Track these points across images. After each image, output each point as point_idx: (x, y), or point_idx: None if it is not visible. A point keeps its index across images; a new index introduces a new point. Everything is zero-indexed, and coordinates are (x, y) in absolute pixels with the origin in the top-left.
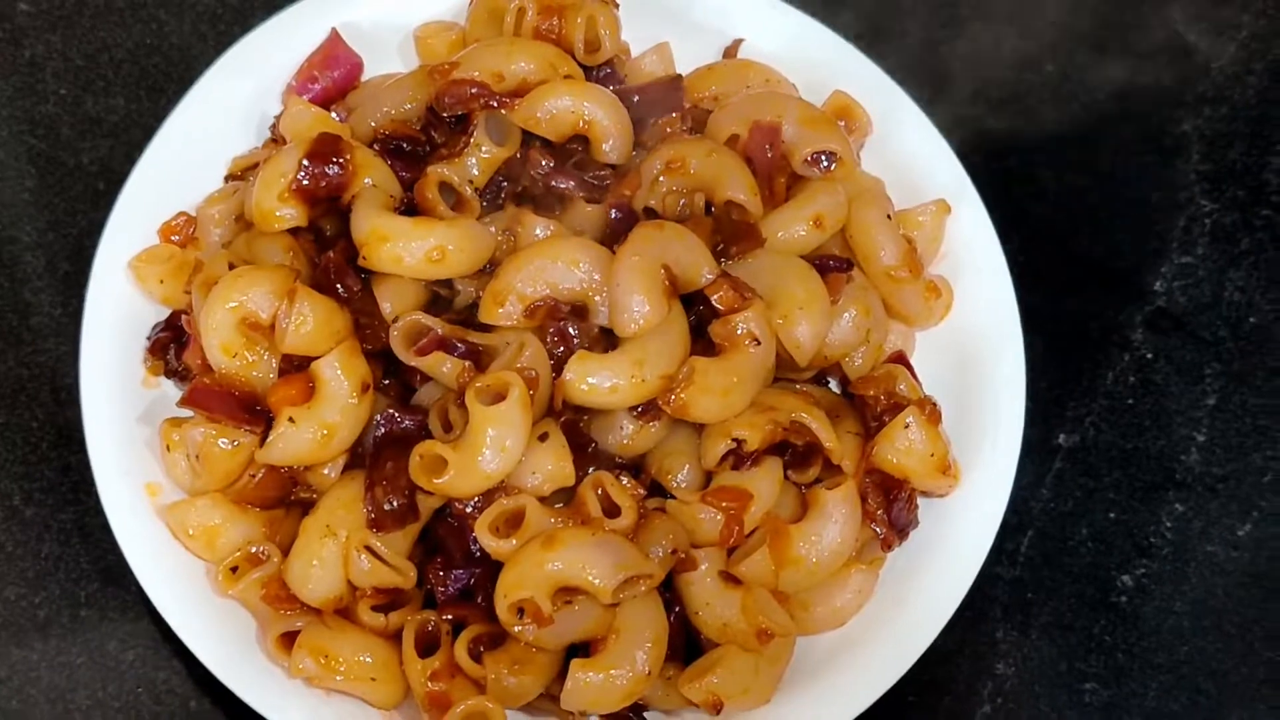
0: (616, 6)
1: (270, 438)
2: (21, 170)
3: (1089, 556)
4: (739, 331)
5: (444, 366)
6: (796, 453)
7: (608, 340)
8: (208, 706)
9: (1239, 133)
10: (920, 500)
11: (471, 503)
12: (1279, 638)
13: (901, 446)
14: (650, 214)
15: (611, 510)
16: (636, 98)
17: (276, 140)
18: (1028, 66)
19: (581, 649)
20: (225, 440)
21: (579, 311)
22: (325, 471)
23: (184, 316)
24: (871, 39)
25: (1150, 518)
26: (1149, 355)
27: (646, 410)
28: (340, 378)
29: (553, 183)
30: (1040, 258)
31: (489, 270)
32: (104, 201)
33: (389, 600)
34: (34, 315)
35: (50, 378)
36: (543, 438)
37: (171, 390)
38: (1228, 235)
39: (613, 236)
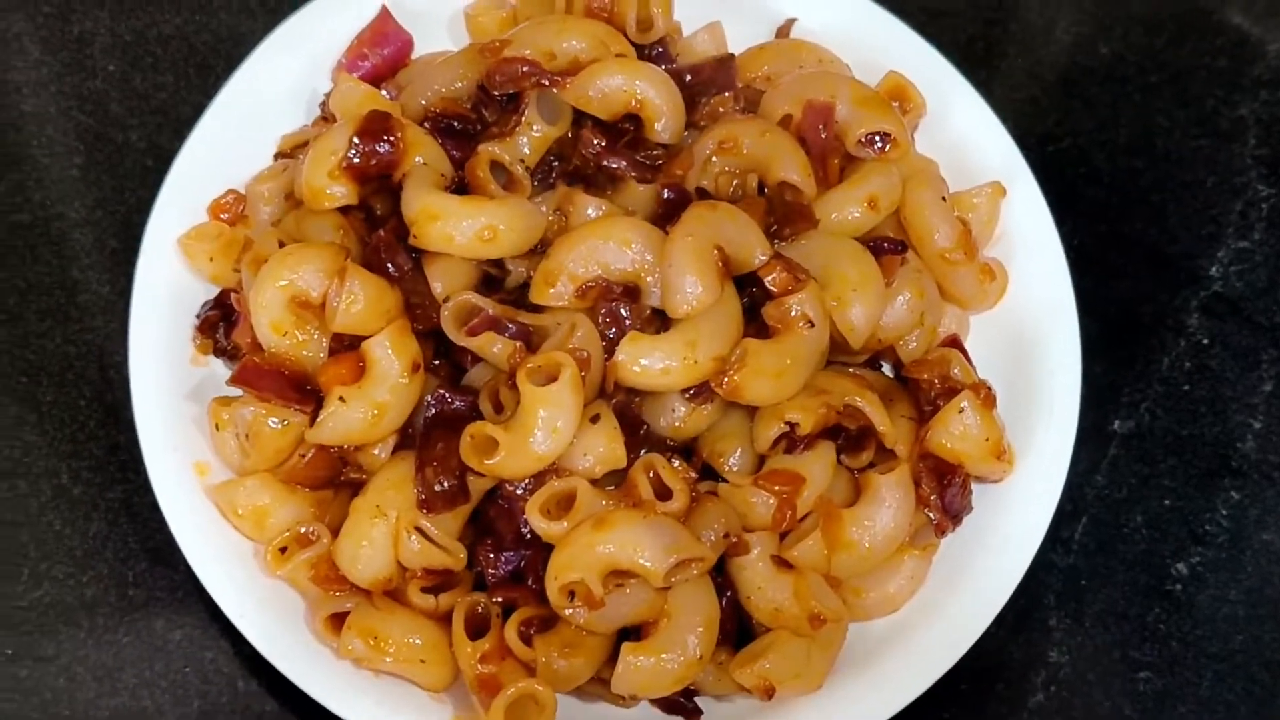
0: None
1: (320, 417)
2: (70, 147)
3: (1144, 544)
4: (793, 313)
5: (495, 347)
6: (849, 436)
7: (660, 321)
8: (255, 687)
9: None
10: (974, 486)
11: (522, 484)
12: None
13: (956, 431)
14: (702, 194)
15: (663, 493)
16: (689, 77)
17: (326, 118)
18: (1082, 49)
19: (633, 632)
20: (275, 419)
21: (631, 292)
22: (375, 452)
23: (233, 294)
24: (925, 19)
25: (1206, 505)
26: (1205, 341)
27: (699, 392)
28: (391, 357)
29: (604, 162)
30: (1094, 241)
31: (540, 250)
32: (152, 179)
33: (439, 582)
34: (81, 293)
35: (98, 356)
36: (594, 419)
37: (220, 369)
38: None
39: (665, 217)
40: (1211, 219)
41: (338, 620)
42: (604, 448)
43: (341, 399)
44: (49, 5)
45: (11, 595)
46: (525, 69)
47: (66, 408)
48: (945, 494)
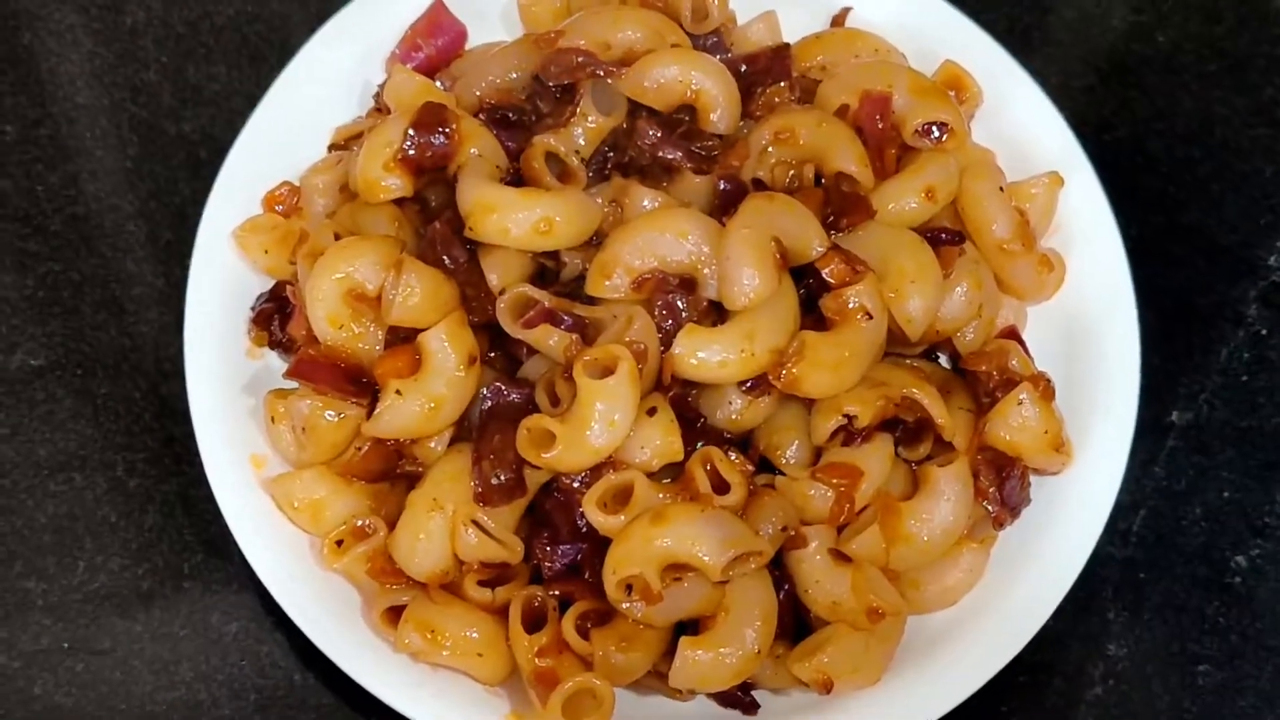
0: None
1: (377, 410)
2: (123, 139)
3: (1202, 536)
4: (850, 305)
5: (551, 339)
6: (907, 429)
7: (717, 313)
8: (312, 680)
9: None
10: (1033, 478)
11: (579, 477)
12: None
13: (1014, 423)
14: (759, 185)
15: (720, 486)
16: (744, 67)
17: (380, 109)
18: (1139, 37)
19: (690, 626)
20: (331, 412)
21: (687, 284)
22: (432, 445)
23: (289, 287)
24: (980, 6)
25: (1265, 497)
26: (1263, 331)
27: (756, 385)
28: (447, 350)
29: (660, 153)
30: (1151, 231)
31: (595, 242)
32: (205, 171)
33: (495, 575)
34: (136, 285)
35: (153, 348)
36: (651, 412)
37: (275, 361)
38: None
39: (721, 208)
40: (1269, 209)
41: (394, 613)
42: (661, 440)
43: (398, 392)
44: None
45: (68, 588)
46: (580, 59)
47: (122, 400)
48: (1004, 486)
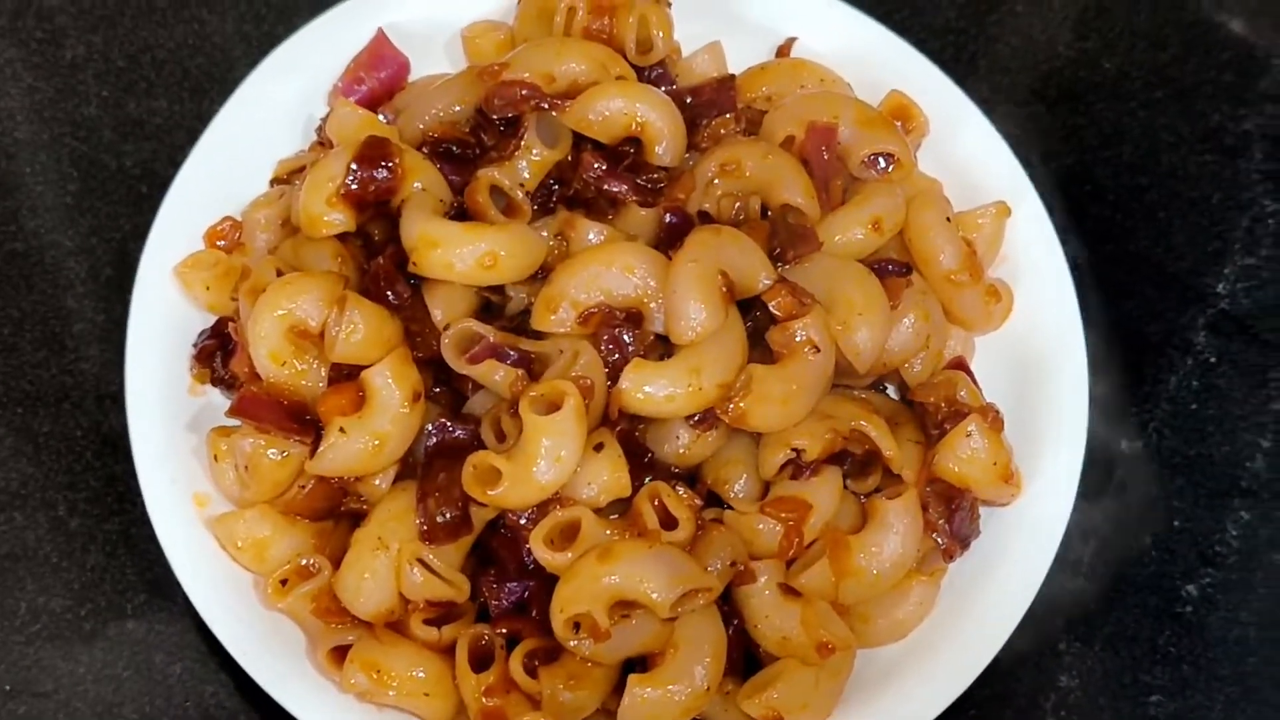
0: (669, 5)
1: (320, 448)
2: (63, 174)
3: (1153, 566)
4: (798, 338)
5: (496, 375)
6: (856, 461)
7: (664, 347)
8: None
9: None
10: (982, 509)
11: (526, 514)
12: None
13: (963, 455)
14: (705, 218)
15: (668, 522)
16: (689, 99)
17: (323, 143)
18: (1085, 64)
19: (639, 663)
20: (275, 450)
21: (634, 318)
22: (376, 482)
23: (230, 324)
24: (926, 36)
25: (1215, 526)
26: (1212, 359)
27: (703, 419)
28: (391, 386)
29: (605, 186)
30: (1100, 259)
31: (541, 276)
32: (147, 206)
33: (442, 614)
34: (77, 322)
35: (94, 386)
36: (598, 448)
37: (218, 398)
38: None
39: (667, 241)
40: (1217, 235)
41: (340, 653)
42: (608, 476)
43: (342, 429)
44: (41, 31)
45: (9, 629)
46: (524, 92)
47: (63, 438)
48: (953, 519)
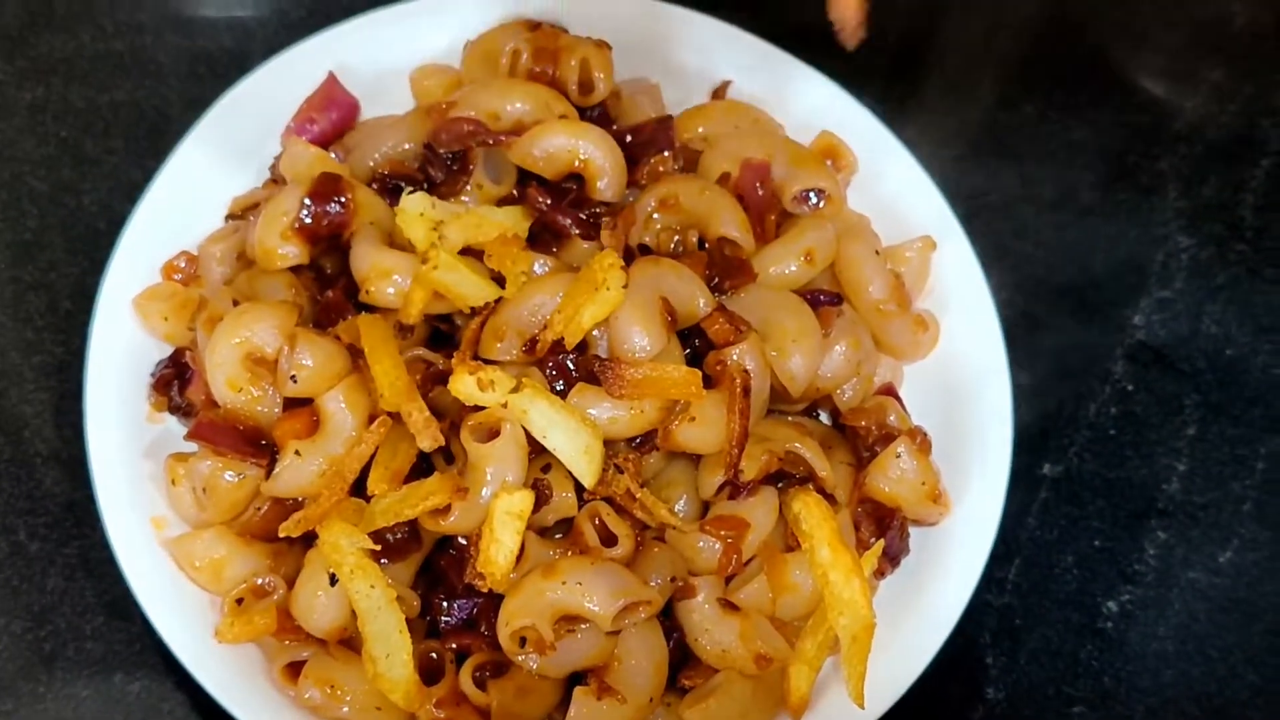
0: (609, 49)
1: (276, 470)
2: (23, 211)
3: (1075, 583)
4: (733, 363)
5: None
6: (791, 482)
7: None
8: None
9: (1214, 170)
10: (911, 529)
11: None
12: (1260, 661)
13: (893, 476)
14: (645, 250)
15: (609, 539)
16: (629, 137)
17: (276, 180)
18: (1006, 106)
19: (584, 677)
20: (231, 473)
21: (578, 345)
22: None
23: (187, 353)
24: (856, 79)
25: (1134, 545)
26: (1130, 387)
27: (645, 441)
28: (345, 411)
29: (549, 219)
30: (1022, 293)
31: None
32: (104, 241)
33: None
34: (36, 354)
35: (53, 415)
36: (545, 469)
37: (175, 426)
38: (1204, 270)
39: None
40: (1134, 269)
41: (295, 669)
42: (555, 498)
43: (297, 452)
44: (1, 74)
45: None
46: (471, 128)
47: (23, 465)
48: (884, 537)
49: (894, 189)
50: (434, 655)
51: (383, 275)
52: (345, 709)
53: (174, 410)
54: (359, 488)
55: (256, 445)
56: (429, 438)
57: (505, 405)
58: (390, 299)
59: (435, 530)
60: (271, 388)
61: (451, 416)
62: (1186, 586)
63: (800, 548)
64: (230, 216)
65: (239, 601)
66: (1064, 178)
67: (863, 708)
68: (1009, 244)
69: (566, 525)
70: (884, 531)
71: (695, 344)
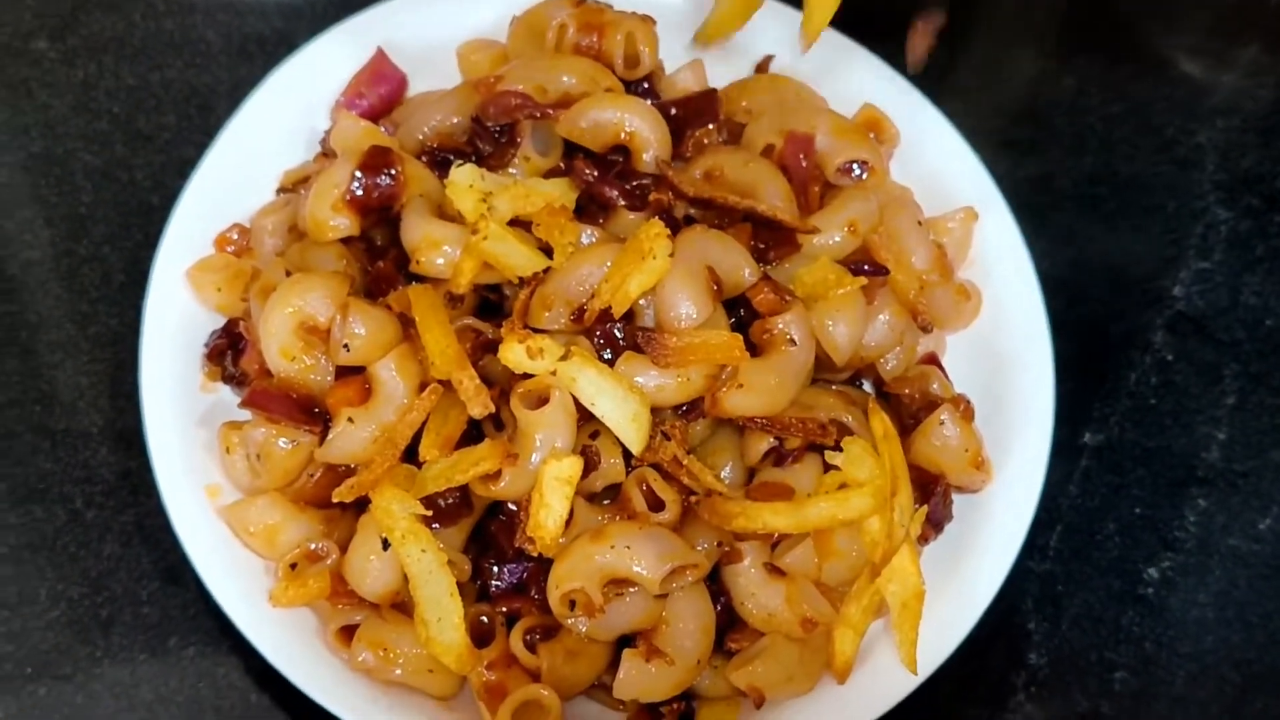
0: (654, 23)
1: (329, 436)
2: (77, 186)
3: (1116, 551)
4: (779, 332)
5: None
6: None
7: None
8: (267, 700)
9: (1251, 143)
10: (955, 496)
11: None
12: None
13: (937, 443)
14: (690, 222)
15: (656, 505)
16: (674, 110)
17: (327, 154)
18: (1046, 81)
19: (633, 640)
20: (285, 440)
21: (626, 314)
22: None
23: (241, 323)
24: (898, 53)
25: (1174, 513)
26: (1169, 357)
27: (692, 408)
28: (396, 379)
29: (596, 191)
30: (1063, 264)
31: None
32: (157, 215)
33: None
34: (91, 325)
35: (109, 385)
36: (593, 436)
37: (228, 395)
38: (1243, 242)
39: None
40: (1173, 242)
41: (348, 632)
42: (603, 463)
43: (350, 419)
44: (54, 52)
45: (30, 616)
46: (518, 101)
47: (79, 435)
48: (928, 503)
49: (936, 161)
50: (485, 619)
51: (433, 246)
52: (398, 671)
53: (227, 380)
54: (410, 454)
55: (309, 413)
56: (479, 405)
57: (554, 373)
58: (440, 269)
59: (486, 495)
60: (324, 356)
61: (501, 384)
62: (1227, 553)
63: None
64: (282, 190)
65: (293, 566)
66: (1103, 151)
67: (915, 674)
68: (1049, 216)
69: (614, 491)
70: (928, 498)
71: (740, 314)
